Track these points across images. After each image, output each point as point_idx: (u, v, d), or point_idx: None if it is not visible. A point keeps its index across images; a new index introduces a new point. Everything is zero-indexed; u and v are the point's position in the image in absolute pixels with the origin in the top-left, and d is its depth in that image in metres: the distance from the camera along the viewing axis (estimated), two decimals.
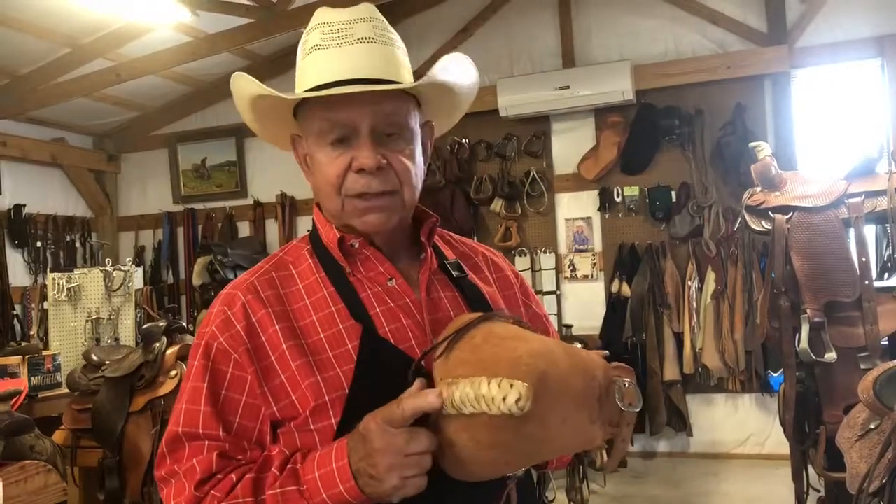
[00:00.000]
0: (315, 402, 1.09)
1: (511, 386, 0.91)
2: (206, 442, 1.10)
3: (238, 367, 1.12)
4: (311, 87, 1.14)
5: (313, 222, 1.27)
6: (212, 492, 1.07)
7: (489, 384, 0.92)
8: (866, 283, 2.93)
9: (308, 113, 1.17)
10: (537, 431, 0.96)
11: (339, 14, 1.17)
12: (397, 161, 1.16)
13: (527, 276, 5.74)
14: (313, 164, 1.19)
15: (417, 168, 1.20)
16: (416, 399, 0.99)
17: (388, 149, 1.15)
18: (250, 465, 1.09)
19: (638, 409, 1.06)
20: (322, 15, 1.18)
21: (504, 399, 0.91)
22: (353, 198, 1.15)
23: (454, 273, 1.26)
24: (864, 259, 2.96)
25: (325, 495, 1.02)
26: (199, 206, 6.86)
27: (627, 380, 1.05)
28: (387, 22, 1.20)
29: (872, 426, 1.98)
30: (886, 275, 3.49)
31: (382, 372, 1.11)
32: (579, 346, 1.09)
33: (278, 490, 1.04)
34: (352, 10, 1.17)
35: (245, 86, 1.20)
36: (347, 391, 1.09)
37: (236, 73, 1.21)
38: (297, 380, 1.10)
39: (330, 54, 1.15)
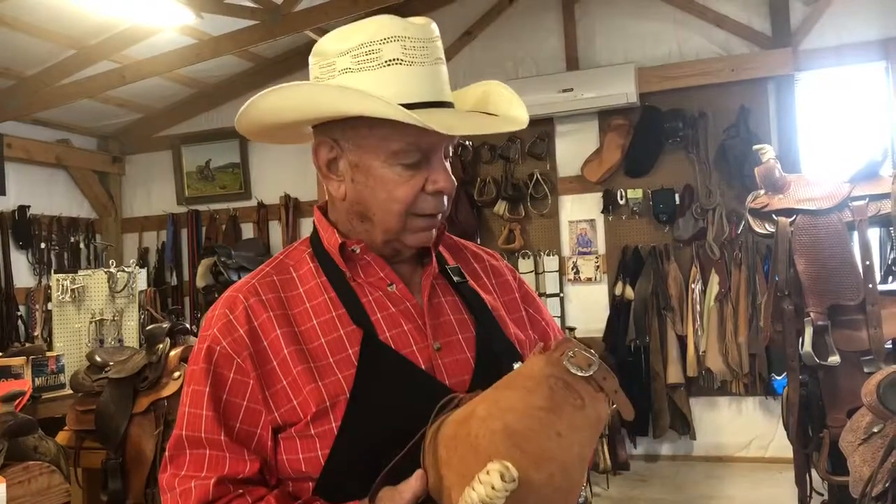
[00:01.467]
0: (316, 407, 1.09)
1: (488, 472, 0.90)
2: (207, 451, 1.10)
3: (240, 372, 1.12)
4: (396, 102, 1.08)
5: (314, 225, 1.27)
6: None
7: (473, 488, 0.91)
8: (870, 286, 2.93)
9: (377, 129, 1.11)
10: (546, 468, 0.94)
11: (416, 30, 1.12)
12: (454, 181, 1.19)
13: (530, 279, 5.74)
14: (371, 178, 1.15)
15: None
16: None
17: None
18: (246, 497, 1.09)
19: (596, 364, 1.01)
20: (398, 26, 1.12)
21: (493, 487, 0.89)
22: (421, 217, 1.16)
23: (455, 279, 1.26)
24: (867, 262, 2.96)
25: None
26: (202, 207, 6.87)
27: (570, 351, 1.02)
28: None
29: (876, 430, 1.98)
30: (891, 278, 3.48)
31: (383, 377, 1.12)
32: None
33: None
34: (424, 28, 1.13)
35: (344, 100, 1.10)
36: (348, 396, 1.09)
37: (320, 84, 1.14)
38: (298, 385, 1.10)
39: (413, 72, 1.11)
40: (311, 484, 1.10)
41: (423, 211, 1.15)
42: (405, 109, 1.06)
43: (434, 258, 1.25)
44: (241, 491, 1.09)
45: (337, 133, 1.16)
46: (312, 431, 1.09)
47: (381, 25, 1.12)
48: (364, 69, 1.11)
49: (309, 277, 1.20)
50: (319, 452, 1.08)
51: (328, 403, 1.09)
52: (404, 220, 1.16)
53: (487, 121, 1.18)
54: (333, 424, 1.08)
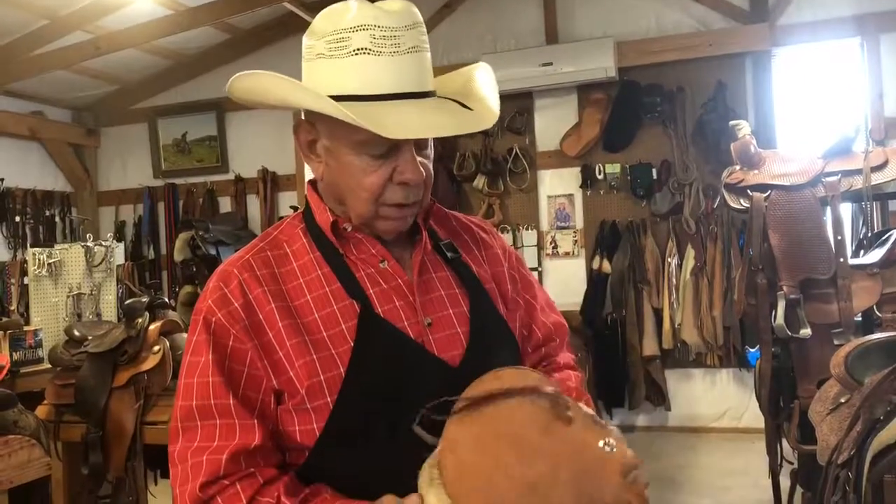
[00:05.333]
0: (309, 380, 1.11)
1: None
2: (218, 420, 1.10)
3: (238, 341, 1.13)
4: (357, 94, 1.10)
5: (306, 201, 1.28)
6: (219, 499, 1.08)
7: None
8: (841, 260, 2.99)
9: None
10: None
11: (389, 18, 1.11)
12: (427, 169, 1.18)
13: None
14: (340, 164, 1.17)
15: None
16: None
17: (421, 157, 1.16)
18: (257, 477, 1.10)
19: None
20: (368, 14, 1.11)
21: None
22: (390, 206, 1.17)
23: (448, 254, 1.28)
24: (839, 237, 3.01)
25: None
26: (179, 181, 6.81)
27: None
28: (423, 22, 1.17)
29: (843, 400, 2.03)
30: (862, 252, 3.55)
31: (379, 351, 1.14)
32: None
33: None
34: (399, 15, 1.12)
35: (295, 95, 1.13)
36: (343, 371, 1.11)
37: (284, 78, 1.14)
38: (292, 357, 1.12)
39: (380, 63, 1.10)
40: (305, 454, 1.13)
41: (391, 201, 1.16)
42: (337, 105, 1.07)
43: (425, 234, 1.27)
44: (251, 470, 1.10)
45: (314, 116, 1.18)
46: (308, 406, 1.11)
47: (355, 12, 1.12)
48: (335, 56, 1.12)
49: (302, 253, 1.22)
50: (315, 425, 1.11)
51: (322, 378, 1.11)
52: (374, 208, 1.17)
53: (449, 120, 1.16)
54: (329, 399, 1.11)
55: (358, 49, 1.10)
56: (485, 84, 1.25)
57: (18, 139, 6.33)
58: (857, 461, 1.74)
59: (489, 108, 1.20)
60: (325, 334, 1.14)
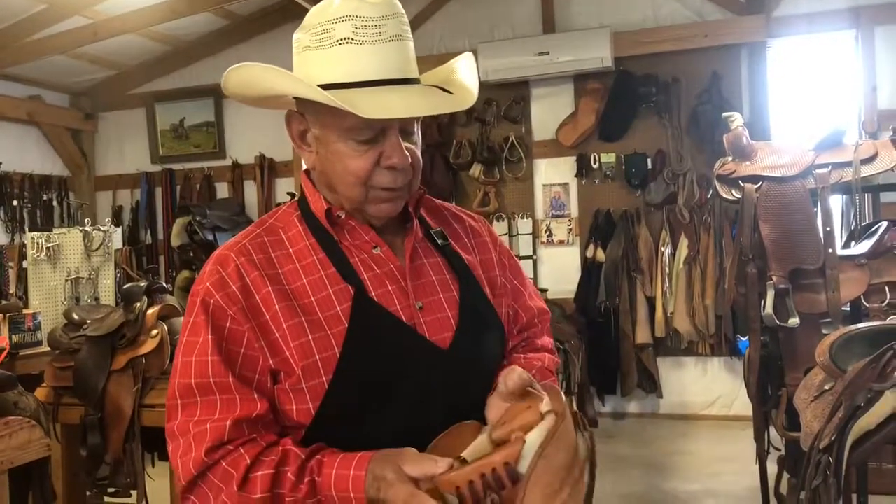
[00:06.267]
0: (304, 361, 1.15)
1: None
2: (218, 396, 1.13)
3: (235, 323, 1.16)
4: (341, 81, 1.14)
5: (301, 189, 1.32)
6: (223, 463, 1.11)
7: None
8: (830, 251, 3.03)
9: (331, 106, 1.14)
10: None
11: (370, 8, 1.15)
12: (413, 154, 1.21)
13: (504, 241, 5.80)
14: (329, 151, 1.21)
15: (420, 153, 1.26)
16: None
17: (408, 142, 1.20)
18: (259, 441, 1.13)
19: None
20: (351, 5, 1.15)
21: None
22: (378, 190, 1.20)
23: (439, 242, 1.32)
24: (828, 228, 3.06)
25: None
26: (177, 166, 6.83)
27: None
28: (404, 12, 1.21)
29: (827, 388, 2.08)
30: (853, 243, 3.59)
31: (372, 332, 1.18)
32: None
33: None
34: (380, 5, 1.16)
35: (283, 83, 1.17)
36: (338, 351, 1.15)
37: (268, 66, 1.17)
38: (289, 338, 1.16)
39: (363, 51, 1.14)
40: (302, 432, 1.17)
41: (379, 184, 1.20)
42: (317, 88, 1.11)
43: (416, 222, 1.31)
44: (254, 436, 1.13)
45: (305, 107, 1.22)
46: (304, 385, 1.15)
47: (338, 4, 1.16)
48: (319, 48, 1.16)
49: (298, 239, 1.25)
50: (311, 405, 1.15)
51: (317, 358, 1.15)
52: (364, 191, 1.20)
53: (427, 102, 1.20)
54: (324, 379, 1.15)
55: (341, 39, 1.14)
56: (465, 71, 1.28)
57: (16, 123, 6.34)
58: (837, 447, 1.79)
59: (468, 91, 1.24)
60: (320, 316, 1.18)
